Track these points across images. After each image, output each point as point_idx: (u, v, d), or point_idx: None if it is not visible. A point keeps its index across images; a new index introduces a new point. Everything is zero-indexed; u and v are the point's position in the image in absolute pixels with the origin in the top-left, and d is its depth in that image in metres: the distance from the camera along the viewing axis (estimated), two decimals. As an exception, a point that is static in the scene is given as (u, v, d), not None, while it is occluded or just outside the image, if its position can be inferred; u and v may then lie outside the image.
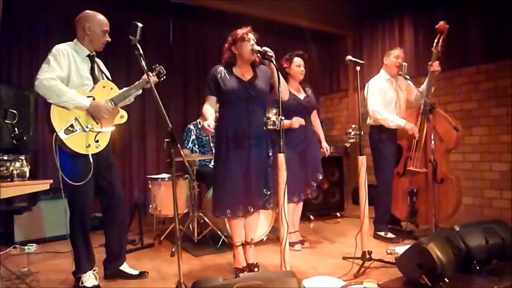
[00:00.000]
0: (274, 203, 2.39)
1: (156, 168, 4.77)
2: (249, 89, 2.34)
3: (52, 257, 2.96)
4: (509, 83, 3.97)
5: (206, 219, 3.33)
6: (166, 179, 3.46)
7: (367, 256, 2.53)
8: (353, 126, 2.72)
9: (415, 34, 4.78)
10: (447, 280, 1.98)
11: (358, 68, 2.65)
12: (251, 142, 2.31)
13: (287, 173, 1.99)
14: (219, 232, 3.19)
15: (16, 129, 2.07)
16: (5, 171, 1.93)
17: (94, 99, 2.21)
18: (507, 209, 3.97)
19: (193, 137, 3.95)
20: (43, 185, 2.08)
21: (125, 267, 2.45)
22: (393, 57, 3.29)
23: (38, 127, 3.58)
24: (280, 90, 2.07)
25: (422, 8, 4.65)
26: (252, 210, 2.36)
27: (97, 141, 2.21)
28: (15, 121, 2.08)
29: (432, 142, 3.02)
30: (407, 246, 2.28)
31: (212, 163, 3.91)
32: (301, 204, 3.20)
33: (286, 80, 2.90)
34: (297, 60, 3.10)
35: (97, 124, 2.22)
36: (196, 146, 3.96)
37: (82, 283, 2.20)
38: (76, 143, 2.13)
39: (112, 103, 2.27)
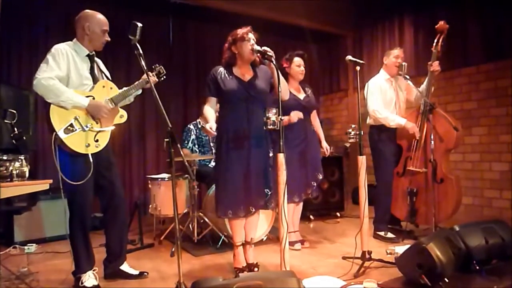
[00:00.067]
0: (275, 203, 2.39)
1: (156, 168, 4.77)
2: (249, 89, 2.34)
3: (52, 257, 2.96)
4: (509, 83, 3.97)
5: (206, 219, 3.32)
6: (166, 179, 3.46)
7: (367, 256, 2.53)
8: (353, 126, 2.72)
9: (415, 34, 4.78)
10: (447, 280, 1.98)
11: (358, 68, 2.65)
12: (252, 142, 2.31)
13: (287, 173, 1.99)
14: (219, 232, 3.18)
15: (15, 129, 2.07)
16: (5, 171, 1.93)
17: (93, 98, 2.21)
18: (507, 209, 3.97)
19: (193, 137, 3.95)
20: (43, 185, 2.08)
21: (125, 267, 2.45)
22: (393, 57, 3.29)
23: (37, 127, 3.57)
24: (280, 90, 2.07)
25: (422, 8, 4.65)
26: (254, 210, 2.36)
27: (96, 141, 2.21)
28: (15, 121, 2.08)
29: (432, 142, 3.02)
30: (407, 246, 2.28)
31: (212, 163, 3.92)
32: (301, 204, 3.20)
33: (286, 80, 2.90)
34: (297, 60, 3.10)
35: (97, 123, 2.22)
36: (196, 146, 3.96)
37: (82, 283, 2.20)
38: (76, 142, 2.13)
39: (112, 102, 2.27)
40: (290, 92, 2.85)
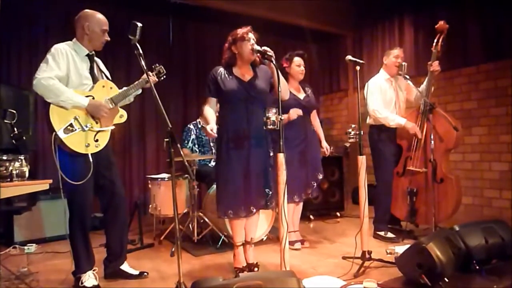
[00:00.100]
0: (276, 202, 2.39)
1: (156, 168, 4.77)
2: (249, 90, 2.34)
3: (51, 257, 2.96)
4: (509, 82, 3.98)
5: (206, 219, 3.32)
6: (166, 179, 3.46)
7: (367, 255, 2.53)
8: (353, 126, 2.72)
9: (415, 34, 4.78)
10: (446, 280, 1.98)
11: (358, 67, 2.65)
12: (252, 142, 2.31)
13: (287, 173, 1.99)
14: (219, 232, 3.18)
15: (15, 129, 2.07)
16: (5, 171, 1.93)
17: (93, 98, 2.21)
18: (507, 208, 3.97)
19: (193, 136, 3.95)
20: (43, 185, 2.08)
21: (125, 267, 2.45)
22: (393, 56, 3.29)
23: (37, 127, 3.58)
24: (280, 89, 2.07)
25: (422, 8, 4.65)
26: (255, 210, 2.36)
27: (96, 141, 2.21)
28: (15, 121, 2.08)
29: (432, 142, 3.02)
30: (407, 246, 2.28)
31: (212, 162, 3.93)
32: (301, 204, 3.20)
33: (286, 80, 2.90)
34: (297, 60, 3.10)
35: (97, 123, 2.22)
36: (196, 146, 3.96)
37: (81, 283, 2.20)
38: (76, 142, 2.13)
39: (112, 102, 2.27)
40: (290, 92, 2.85)
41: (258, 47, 2.25)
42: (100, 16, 2.29)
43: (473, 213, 4.21)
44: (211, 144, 3.87)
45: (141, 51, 1.92)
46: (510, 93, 3.98)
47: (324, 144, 3.30)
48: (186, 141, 3.93)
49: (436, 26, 3.19)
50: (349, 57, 2.72)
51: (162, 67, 2.51)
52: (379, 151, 3.34)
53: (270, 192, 2.36)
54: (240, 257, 2.47)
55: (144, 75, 2.29)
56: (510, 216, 3.69)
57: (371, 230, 3.29)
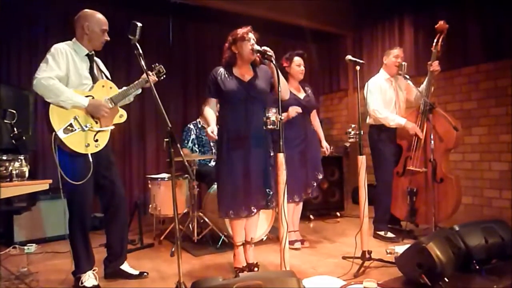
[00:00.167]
0: (276, 202, 2.39)
1: (155, 167, 4.77)
2: (249, 90, 2.34)
3: (51, 257, 2.96)
4: (509, 82, 3.98)
5: (206, 219, 3.32)
6: (166, 179, 3.46)
7: (367, 255, 2.53)
8: (353, 125, 2.72)
9: (415, 34, 4.78)
10: (446, 280, 1.98)
11: (358, 67, 2.65)
12: (252, 142, 2.31)
13: (287, 173, 1.99)
14: (219, 232, 3.18)
15: (15, 129, 2.07)
16: (4, 171, 1.92)
17: (93, 98, 2.21)
18: (507, 208, 3.97)
19: (193, 136, 3.95)
20: (42, 185, 2.07)
21: (125, 267, 2.45)
22: (393, 56, 3.29)
23: (37, 127, 3.57)
24: (280, 89, 2.07)
25: (422, 8, 4.65)
26: (256, 210, 2.36)
27: (96, 141, 2.21)
28: (14, 121, 2.08)
29: (432, 141, 3.02)
30: (407, 246, 2.28)
31: (212, 162, 3.92)
32: (301, 204, 3.19)
33: (286, 80, 2.90)
34: (297, 60, 3.10)
35: (96, 123, 2.22)
36: (196, 146, 3.96)
37: (81, 283, 2.20)
38: (75, 142, 2.13)
39: (112, 102, 2.27)
40: (290, 92, 2.85)
41: (258, 47, 2.25)
42: (99, 16, 2.29)
43: (473, 213, 4.21)
44: (211, 144, 3.87)
45: (141, 51, 1.92)
46: (510, 93, 3.98)
47: (324, 143, 3.30)
48: (186, 141, 3.93)
49: (436, 26, 3.19)
50: (349, 57, 2.72)
51: (162, 67, 2.51)
52: (379, 151, 3.34)
53: (271, 192, 2.36)
54: (240, 257, 2.47)
55: (144, 75, 2.29)
56: (510, 216, 3.69)
57: (371, 230, 3.29)
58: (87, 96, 2.19)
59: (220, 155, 2.39)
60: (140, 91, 2.45)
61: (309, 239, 3.32)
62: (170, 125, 1.76)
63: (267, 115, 2.00)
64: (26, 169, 2.00)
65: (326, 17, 5.24)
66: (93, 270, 2.28)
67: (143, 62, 1.93)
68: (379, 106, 3.23)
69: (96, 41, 2.27)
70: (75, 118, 2.14)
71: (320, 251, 3.03)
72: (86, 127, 2.17)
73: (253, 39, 2.32)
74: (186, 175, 3.56)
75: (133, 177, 4.76)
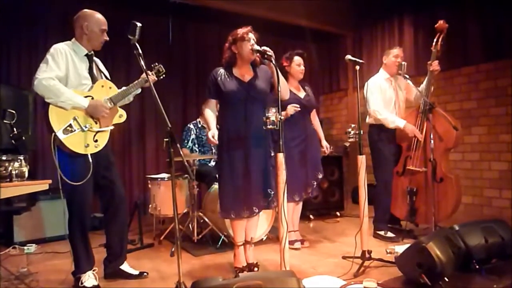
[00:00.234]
0: (277, 202, 2.39)
1: (155, 167, 4.77)
2: (249, 90, 2.34)
3: (51, 257, 2.95)
4: (509, 82, 3.98)
5: (206, 219, 3.32)
6: (166, 179, 3.46)
7: (367, 255, 2.53)
8: (353, 125, 2.72)
9: (415, 34, 4.78)
10: (446, 279, 1.98)
11: (357, 67, 2.65)
12: (252, 142, 2.31)
13: (287, 172, 1.99)
14: (219, 232, 3.18)
15: (14, 129, 2.06)
16: (4, 171, 1.92)
17: (92, 98, 2.21)
18: (507, 208, 3.97)
19: (192, 136, 3.95)
20: (42, 185, 2.07)
21: (125, 267, 2.45)
22: (393, 56, 3.29)
23: (37, 127, 3.57)
24: (280, 89, 2.07)
25: (422, 8, 4.65)
26: (257, 211, 2.36)
27: (96, 141, 2.21)
28: (14, 121, 2.07)
29: (432, 141, 3.02)
30: (407, 245, 2.28)
31: (212, 162, 3.93)
32: (301, 203, 3.19)
33: (286, 79, 2.90)
34: (297, 59, 3.10)
35: (96, 123, 2.22)
36: (196, 146, 3.96)
37: (81, 283, 2.20)
38: (75, 143, 2.13)
39: (111, 102, 2.27)
40: (291, 91, 2.85)
41: (257, 47, 2.25)
42: (99, 16, 2.29)
43: (473, 213, 4.21)
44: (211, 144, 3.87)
45: (140, 51, 1.92)
46: (510, 93, 3.98)
47: (324, 143, 3.30)
48: (186, 141, 3.93)
49: (435, 26, 3.19)
50: (348, 56, 2.72)
51: (161, 66, 2.51)
52: (378, 151, 3.34)
53: (272, 192, 2.36)
54: (241, 257, 2.47)
55: (144, 75, 2.29)
56: (510, 216, 3.69)
57: (371, 230, 3.29)
58: (86, 97, 2.19)
59: (221, 155, 2.39)
60: (139, 91, 2.45)
61: (309, 239, 3.32)
62: (169, 125, 1.76)
63: (266, 115, 2.00)
64: (25, 169, 2.00)
65: (326, 17, 5.23)
66: (93, 270, 2.28)
67: (142, 62, 1.94)
68: (380, 107, 3.23)
69: (95, 41, 2.27)
70: (74, 119, 2.14)
71: (320, 251, 3.03)
72: (86, 127, 2.17)
73: (253, 39, 2.32)
74: (186, 175, 3.55)
75: (133, 177, 4.76)
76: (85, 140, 2.16)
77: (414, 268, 2.05)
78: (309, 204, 4.05)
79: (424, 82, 3.26)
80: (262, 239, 3.21)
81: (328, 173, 4.37)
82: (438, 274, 1.97)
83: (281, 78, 2.23)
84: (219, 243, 3.12)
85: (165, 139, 1.75)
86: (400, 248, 2.52)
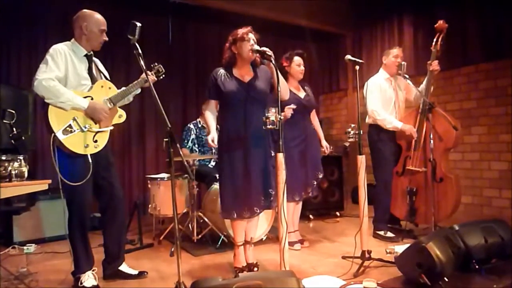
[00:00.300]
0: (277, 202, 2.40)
1: (155, 167, 4.77)
2: (249, 90, 2.34)
3: (51, 257, 2.96)
4: (509, 82, 3.98)
5: (206, 219, 3.32)
6: (166, 179, 3.46)
7: (367, 255, 2.53)
8: (353, 125, 2.72)
9: (415, 34, 4.78)
10: (446, 279, 1.98)
11: (357, 67, 2.65)
12: (252, 142, 2.31)
13: (287, 172, 1.99)
14: (218, 232, 3.18)
15: (14, 129, 2.06)
16: (4, 171, 1.92)
17: (92, 98, 2.21)
18: (507, 208, 3.97)
19: (192, 136, 3.95)
20: (42, 185, 2.07)
21: (124, 267, 2.45)
22: (392, 56, 3.29)
23: (36, 127, 3.56)
24: (279, 89, 2.07)
25: (422, 8, 4.65)
26: (258, 211, 2.36)
27: (95, 141, 2.21)
28: (14, 121, 2.07)
29: (431, 141, 3.02)
30: (407, 245, 2.28)
31: (212, 162, 3.93)
32: (300, 203, 3.19)
33: (286, 79, 2.90)
34: (297, 59, 3.10)
35: (96, 124, 2.21)
36: (196, 146, 3.96)
37: (81, 283, 2.20)
38: (75, 143, 2.13)
39: (111, 102, 2.27)
40: (291, 91, 2.85)
41: (257, 47, 2.25)
42: (98, 16, 2.29)
43: (473, 213, 4.21)
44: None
45: (140, 51, 1.92)
46: (510, 93, 3.98)
47: (324, 143, 3.30)
48: (186, 141, 3.93)
49: (435, 26, 3.19)
50: (348, 56, 2.72)
51: (161, 66, 2.51)
52: (378, 151, 3.34)
53: (273, 192, 2.35)
54: (241, 257, 2.46)
55: (143, 75, 2.29)
56: (509, 216, 3.70)
57: (371, 230, 3.29)
58: (86, 97, 2.18)
59: (221, 155, 2.39)
60: (139, 91, 2.45)
61: (308, 238, 3.32)
62: (169, 125, 1.76)
63: (266, 115, 2.00)
64: (25, 169, 2.00)
65: (326, 17, 5.23)
66: (93, 270, 2.28)
67: (142, 62, 1.93)
68: (378, 107, 3.23)
69: (94, 42, 2.27)
70: (74, 119, 2.13)
71: (320, 251, 3.03)
72: (85, 127, 2.17)
73: (253, 40, 2.32)
74: (186, 175, 3.55)
75: (133, 177, 4.76)
76: (85, 141, 2.16)
77: (414, 268, 2.05)
78: (309, 204, 4.05)
79: (424, 82, 3.26)
80: (262, 239, 3.21)
81: (328, 173, 4.37)
82: (438, 274, 1.97)
83: (281, 78, 2.23)
84: (219, 243, 3.12)
85: (165, 139, 1.75)
86: (400, 248, 2.51)
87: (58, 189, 2.08)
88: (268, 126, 2.00)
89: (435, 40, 3.18)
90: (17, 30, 4.03)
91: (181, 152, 1.82)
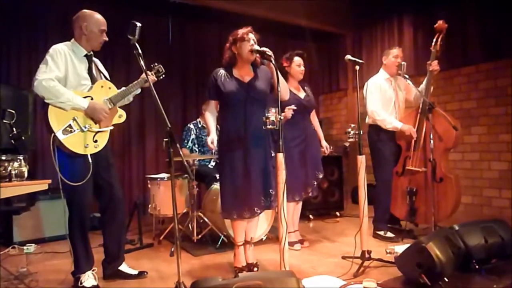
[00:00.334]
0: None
1: (155, 167, 4.77)
2: (249, 91, 2.34)
3: (51, 257, 2.95)
4: (509, 82, 3.98)
5: (206, 219, 3.32)
6: (165, 179, 3.46)
7: (367, 255, 2.53)
8: (352, 125, 2.72)
9: (414, 34, 4.78)
10: (446, 279, 1.98)
11: (357, 67, 2.65)
12: (252, 143, 2.31)
13: (288, 173, 1.99)
14: (218, 232, 3.18)
15: (14, 129, 2.06)
16: (4, 171, 1.92)
17: (92, 99, 2.21)
18: (507, 208, 3.97)
19: (192, 136, 3.95)
20: (42, 185, 2.07)
21: (124, 267, 2.45)
22: (392, 56, 3.29)
23: (36, 127, 3.56)
24: (279, 89, 2.07)
25: (421, 8, 4.65)
26: (259, 211, 2.36)
27: (95, 141, 2.21)
28: (13, 121, 2.07)
29: (431, 141, 3.02)
30: (407, 246, 2.28)
31: (212, 162, 3.93)
32: (300, 203, 3.20)
33: (286, 79, 2.90)
34: (297, 60, 3.10)
35: (95, 123, 2.21)
36: (196, 146, 3.96)
37: (81, 283, 2.20)
38: (75, 143, 2.13)
39: (111, 102, 2.27)
40: (291, 91, 2.85)
41: (257, 47, 2.25)
42: (98, 16, 2.29)
43: (473, 213, 4.21)
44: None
45: (140, 51, 1.92)
46: (510, 93, 3.98)
47: (324, 143, 3.30)
48: (186, 141, 3.93)
49: (435, 26, 3.19)
50: (348, 56, 2.72)
51: (161, 66, 2.51)
52: (378, 151, 3.34)
53: (273, 192, 2.35)
54: (241, 256, 2.46)
55: (143, 75, 2.29)
56: (509, 216, 3.70)
57: (371, 230, 3.29)
58: (86, 97, 2.18)
59: (221, 156, 2.40)
60: (139, 91, 2.45)
61: (308, 238, 3.32)
62: (169, 125, 1.76)
63: (266, 115, 2.00)
64: (25, 169, 2.00)
65: (326, 17, 5.24)
66: (93, 270, 2.28)
67: (142, 62, 1.93)
68: (378, 108, 3.23)
69: (94, 42, 2.27)
70: (74, 119, 2.13)
71: (320, 251, 3.03)
72: (85, 127, 2.16)
73: (253, 40, 2.32)
74: (186, 175, 3.55)
75: (133, 177, 4.76)
76: (85, 141, 2.16)
77: (413, 268, 2.05)
78: (308, 204, 4.05)
79: (424, 82, 3.26)
80: (262, 239, 3.21)
81: (328, 173, 4.37)
82: (437, 274, 1.97)
83: (281, 78, 2.23)
84: (219, 243, 3.12)
85: (164, 139, 1.75)
86: (400, 248, 2.51)
87: (58, 189, 2.08)
88: (268, 126, 2.00)
89: (434, 40, 3.18)
90: (17, 30, 4.03)
91: (181, 152, 1.82)
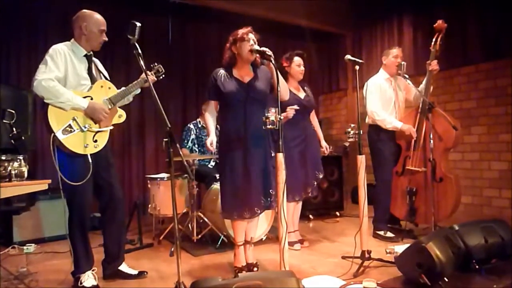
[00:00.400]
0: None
1: (155, 167, 4.77)
2: (249, 91, 2.34)
3: (51, 257, 2.95)
4: (509, 82, 3.98)
5: (205, 219, 3.32)
6: (165, 179, 3.46)
7: (367, 255, 2.53)
8: (352, 125, 2.72)
9: (414, 34, 4.78)
10: (446, 279, 1.98)
11: (357, 67, 2.65)
12: (252, 143, 2.31)
13: (287, 173, 1.99)
14: (218, 232, 3.18)
15: (14, 129, 2.06)
16: (3, 171, 1.92)
17: (92, 98, 2.21)
18: (507, 208, 3.97)
19: (192, 136, 3.95)
20: (42, 185, 2.07)
21: (124, 267, 2.45)
22: (392, 56, 3.29)
23: (36, 127, 3.56)
24: (279, 89, 2.07)
25: (421, 8, 4.65)
26: (259, 211, 2.36)
27: (95, 141, 2.21)
28: (13, 121, 2.07)
29: (431, 141, 3.02)
30: (407, 245, 2.28)
31: (212, 162, 3.93)
32: (300, 203, 3.20)
33: (286, 79, 2.90)
34: (297, 60, 3.10)
35: (95, 123, 2.21)
36: (196, 146, 3.96)
37: (81, 283, 2.20)
38: (74, 143, 2.13)
39: (110, 102, 2.27)
40: (291, 92, 2.85)
41: (257, 47, 2.25)
42: (98, 16, 2.29)
43: (473, 213, 4.21)
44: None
45: (140, 51, 1.92)
46: (510, 93, 3.98)
47: (324, 143, 3.30)
48: (186, 141, 3.93)
49: (434, 25, 3.19)
50: (348, 56, 2.72)
51: (161, 66, 2.51)
52: (378, 151, 3.34)
53: (273, 192, 2.35)
54: (241, 256, 2.46)
55: (143, 75, 2.29)
56: (509, 216, 3.70)
57: (371, 230, 3.29)
58: (85, 97, 2.18)
59: (221, 156, 2.40)
60: (139, 91, 2.45)
61: (308, 238, 3.32)
62: (169, 125, 1.76)
63: (266, 115, 2.00)
64: (25, 169, 2.00)
65: (326, 17, 5.24)
66: (93, 270, 2.28)
67: (142, 62, 1.93)
68: (378, 108, 3.23)
69: (94, 42, 2.27)
70: (73, 119, 2.13)
71: (320, 251, 3.03)
72: (85, 127, 2.16)
73: (253, 40, 2.32)
74: (186, 175, 3.55)
75: (133, 177, 4.76)
76: (85, 140, 2.16)
77: (413, 268, 2.05)
78: (308, 204, 4.05)
79: (424, 82, 3.26)
80: (262, 239, 3.21)
81: (328, 173, 4.36)
82: (437, 274, 1.97)
83: (281, 78, 2.23)
84: (219, 243, 3.12)
85: (164, 139, 1.75)
86: (400, 248, 2.51)
87: (58, 189, 2.08)
88: (268, 126, 2.00)
89: (434, 40, 3.18)
90: (17, 30, 4.03)
91: (181, 152, 1.82)
